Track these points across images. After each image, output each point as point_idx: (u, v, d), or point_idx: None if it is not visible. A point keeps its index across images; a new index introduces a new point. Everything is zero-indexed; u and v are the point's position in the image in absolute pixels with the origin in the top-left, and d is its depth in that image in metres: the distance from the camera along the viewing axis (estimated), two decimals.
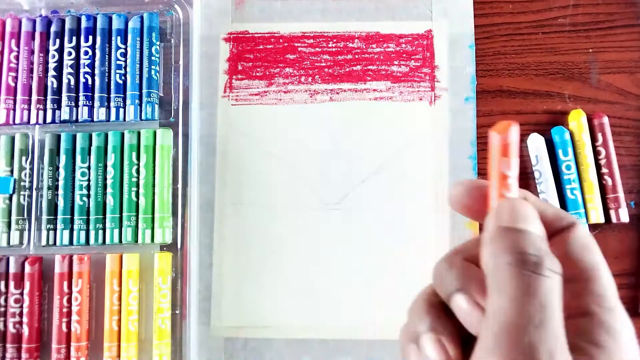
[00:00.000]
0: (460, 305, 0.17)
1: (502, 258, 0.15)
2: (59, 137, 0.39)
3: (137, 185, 0.39)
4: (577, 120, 0.39)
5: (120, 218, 0.39)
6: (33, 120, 0.39)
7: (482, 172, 0.39)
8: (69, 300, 0.37)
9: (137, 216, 0.38)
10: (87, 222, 0.39)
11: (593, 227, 0.39)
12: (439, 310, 0.18)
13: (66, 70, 0.40)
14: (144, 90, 0.39)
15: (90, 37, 0.40)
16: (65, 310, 0.37)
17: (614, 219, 0.38)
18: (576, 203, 0.38)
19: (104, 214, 0.39)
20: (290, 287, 0.39)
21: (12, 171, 0.39)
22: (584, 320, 0.16)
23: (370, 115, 0.40)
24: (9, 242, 0.38)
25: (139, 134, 0.39)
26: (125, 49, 0.40)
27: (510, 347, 0.14)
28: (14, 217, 0.39)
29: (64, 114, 0.39)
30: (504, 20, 0.41)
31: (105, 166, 0.39)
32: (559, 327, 0.15)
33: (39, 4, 0.41)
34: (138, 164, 0.39)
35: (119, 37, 0.40)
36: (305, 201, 0.39)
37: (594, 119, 0.39)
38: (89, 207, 0.39)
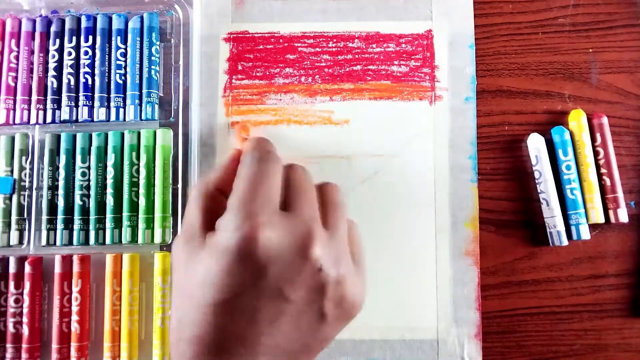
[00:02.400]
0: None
1: (250, 154, 0.28)
2: (59, 137, 0.39)
3: (137, 185, 0.39)
4: (577, 120, 0.39)
5: (120, 218, 0.39)
6: (33, 120, 0.39)
7: (482, 172, 0.39)
8: (69, 300, 0.38)
9: (136, 216, 0.38)
10: (87, 222, 0.39)
11: (593, 227, 0.39)
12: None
13: (66, 70, 0.40)
14: (144, 90, 0.39)
15: (90, 37, 0.40)
16: (65, 310, 0.37)
17: (612, 220, 0.38)
18: (576, 203, 0.38)
19: (104, 214, 0.39)
20: None
21: (12, 171, 0.39)
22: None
23: (370, 115, 0.40)
24: (9, 242, 0.38)
25: (139, 134, 0.39)
26: (125, 49, 0.40)
27: (242, 199, 0.25)
28: (14, 217, 0.39)
29: (64, 114, 0.39)
30: (504, 20, 0.41)
31: (105, 166, 0.39)
32: (275, 189, 0.26)
33: (39, 4, 0.41)
34: (138, 164, 0.39)
35: (119, 37, 0.40)
36: None
37: (594, 119, 0.39)
38: (88, 207, 0.39)
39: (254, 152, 0.28)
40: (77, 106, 0.40)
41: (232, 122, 0.40)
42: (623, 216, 0.38)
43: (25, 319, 0.37)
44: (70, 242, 0.38)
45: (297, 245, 0.24)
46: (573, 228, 0.38)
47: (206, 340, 0.24)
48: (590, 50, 0.41)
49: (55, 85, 0.40)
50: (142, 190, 0.39)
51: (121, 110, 0.40)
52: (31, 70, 0.40)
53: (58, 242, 0.38)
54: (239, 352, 0.24)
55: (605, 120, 0.39)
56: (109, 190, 0.39)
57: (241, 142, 0.33)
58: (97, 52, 0.40)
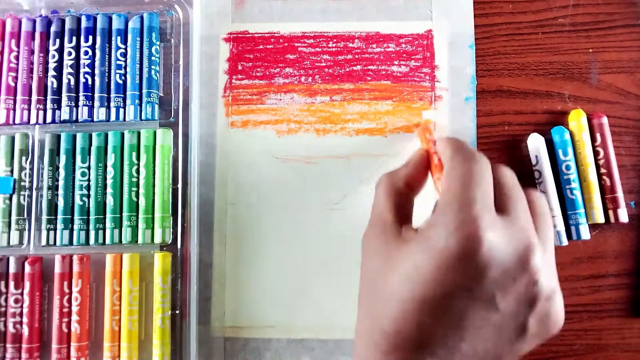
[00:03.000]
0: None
1: (458, 154, 0.26)
2: (59, 137, 0.39)
3: (137, 185, 0.39)
4: (577, 120, 0.39)
5: (120, 218, 0.39)
6: (33, 120, 0.39)
7: None
8: (69, 300, 0.38)
9: (137, 216, 0.38)
10: (87, 222, 0.39)
11: (593, 227, 0.39)
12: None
13: (66, 70, 0.40)
14: (144, 90, 0.39)
15: (90, 37, 0.40)
16: (65, 310, 0.37)
17: (612, 220, 0.38)
18: (576, 203, 0.38)
19: (104, 214, 0.39)
20: (290, 287, 0.39)
21: (12, 171, 0.39)
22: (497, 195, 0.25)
23: (370, 115, 0.40)
24: (9, 242, 0.38)
25: (139, 134, 0.39)
26: (125, 49, 0.40)
27: (460, 199, 0.24)
28: (14, 217, 0.39)
29: (64, 114, 0.39)
30: (504, 20, 0.41)
31: (105, 166, 0.39)
32: (490, 190, 0.24)
33: (39, 4, 0.41)
34: (138, 164, 0.39)
35: (119, 37, 0.40)
36: (305, 201, 0.39)
37: (593, 119, 0.39)
38: (88, 207, 0.39)
39: (462, 151, 0.26)
40: (77, 106, 0.40)
41: (416, 124, 0.39)
42: (623, 216, 0.38)
43: (25, 319, 0.37)
44: (71, 242, 0.38)
45: (518, 253, 0.23)
46: (573, 228, 0.38)
47: (406, 336, 0.23)
48: (590, 50, 0.41)
49: (55, 85, 0.40)
50: (142, 190, 0.39)
51: (121, 110, 0.40)
52: (31, 70, 0.40)
53: (58, 242, 0.38)
54: (437, 353, 0.23)
55: (605, 120, 0.39)
56: (109, 190, 0.39)
57: (426, 142, 0.31)
58: (97, 52, 0.40)
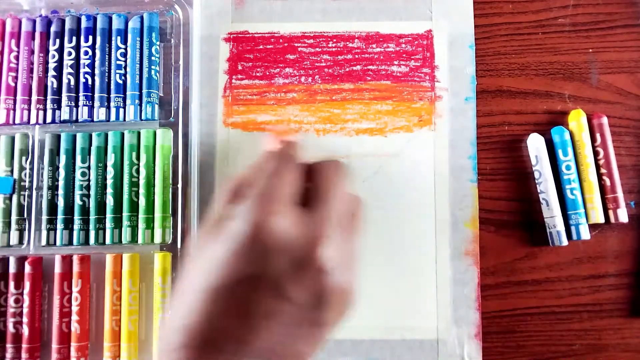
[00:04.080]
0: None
1: (268, 153, 0.28)
2: (59, 137, 0.39)
3: (137, 185, 0.39)
4: (577, 120, 0.39)
5: (120, 218, 0.39)
6: (33, 120, 0.39)
7: (482, 172, 0.39)
8: (69, 300, 0.38)
9: (137, 216, 0.38)
10: (87, 222, 0.39)
11: (593, 227, 0.39)
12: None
13: (66, 70, 0.40)
14: (144, 90, 0.39)
15: (90, 37, 0.40)
16: (65, 310, 0.37)
17: (612, 220, 0.38)
18: (576, 203, 0.38)
19: (104, 214, 0.39)
20: None
21: (12, 171, 0.39)
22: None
23: (370, 115, 0.40)
24: (9, 242, 0.38)
25: (139, 134, 0.39)
26: (125, 49, 0.40)
27: (257, 190, 0.25)
28: (14, 217, 0.39)
29: (64, 114, 0.39)
30: (504, 20, 0.41)
31: (105, 166, 0.39)
32: (290, 186, 0.26)
33: (39, 4, 0.41)
34: (138, 164, 0.39)
35: (119, 37, 0.40)
36: None
37: (593, 119, 0.39)
38: (88, 207, 0.39)
39: (272, 152, 0.28)
40: (77, 106, 0.40)
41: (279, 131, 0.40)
42: (623, 216, 0.38)
43: (25, 319, 0.37)
44: (70, 242, 0.38)
45: (306, 241, 0.24)
46: (573, 228, 0.38)
47: (195, 331, 0.23)
48: (590, 50, 0.41)
49: (55, 85, 0.40)
50: (142, 190, 0.39)
51: (121, 110, 0.40)
52: (31, 70, 0.40)
53: (58, 242, 0.38)
54: (227, 349, 0.23)
55: (605, 120, 0.39)
56: (109, 190, 0.39)
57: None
58: (97, 52, 0.40)
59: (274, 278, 0.23)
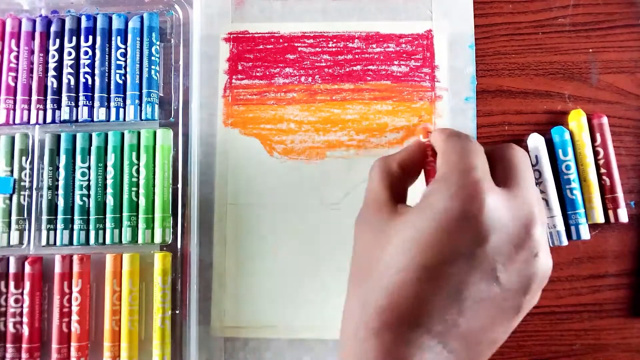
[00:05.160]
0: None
1: (452, 133, 0.26)
2: (59, 137, 0.39)
3: (137, 185, 0.39)
4: (577, 120, 0.39)
5: (120, 218, 0.39)
6: (33, 120, 0.39)
7: None
8: (69, 300, 0.38)
9: (137, 216, 0.38)
10: (87, 222, 0.39)
11: (593, 227, 0.39)
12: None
13: (66, 70, 0.40)
14: (144, 90, 0.39)
15: (90, 37, 0.40)
16: (65, 310, 0.37)
17: (612, 220, 0.38)
18: (576, 203, 0.38)
19: (104, 214, 0.39)
20: (290, 287, 0.39)
21: (12, 171, 0.39)
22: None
23: (370, 115, 0.40)
24: (9, 242, 0.38)
25: (139, 134, 0.39)
26: (125, 49, 0.40)
27: (460, 167, 0.24)
28: (14, 217, 0.39)
29: (64, 114, 0.39)
30: (504, 20, 0.41)
31: (105, 166, 0.39)
32: (486, 165, 0.24)
33: (39, 4, 0.41)
34: (138, 164, 0.39)
35: (119, 37, 0.40)
36: (305, 201, 0.39)
37: (593, 119, 0.39)
38: (89, 207, 0.39)
39: (456, 133, 0.26)
40: (77, 106, 0.40)
41: (416, 124, 0.40)
42: (623, 216, 0.38)
43: (25, 319, 0.37)
44: (71, 242, 0.38)
45: (521, 223, 0.23)
46: (573, 228, 0.38)
47: (401, 309, 0.22)
48: (590, 50, 0.41)
49: (55, 85, 0.40)
50: (142, 190, 0.39)
51: (121, 110, 0.40)
52: (31, 70, 0.40)
53: (58, 242, 0.38)
54: (433, 329, 0.22)
55: (605, 120, 0.39)
56: (109, 190, 0.39)
57: (424, 133, 0.31)
58: (97, 52, 0.40)
59: (490, 259, 0.22)
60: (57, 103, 0.40)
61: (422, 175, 0.30)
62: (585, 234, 0.38)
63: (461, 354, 0.22)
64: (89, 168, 0.39)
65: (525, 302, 0.24)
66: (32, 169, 0.39)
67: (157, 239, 0.38)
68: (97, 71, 0.40)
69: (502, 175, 0.25)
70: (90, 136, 0.39)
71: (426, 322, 0.22)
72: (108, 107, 0.40)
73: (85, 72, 0.40)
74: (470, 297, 0.22)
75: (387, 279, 0.23)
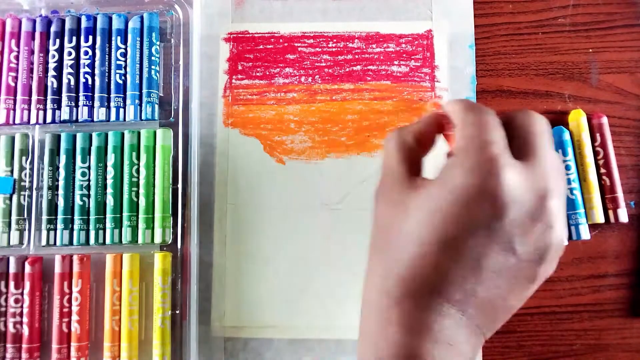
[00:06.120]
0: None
1: (467, 105, 0.26)
2: (59, 137, 0.39)
3: (137, 185, 0.39)
4: (577, 120, 0.39)
5: (120, 218, 0.39)
6: (33, 120, 0.39)
7: None
8: (69, 300, 0.37)
9: (137, 216, 0.38)
10: (87, 222, 0.39)
11: (593, 227, 0.39)
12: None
13: (66, 70, 0.40)
14: (144, 90, 0.39)
15: (90, 37, 0.40)
16: (65, 310, 0.37)
17: (612, 220, 0.38)
18: (576, 203, 0.38)
19: (104, 214, 0.39)
20: (291, 287, 0.39)
21: (12, 171, 0.39)
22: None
23: (370, 115, 0.40)
24: (9, 242, 0.38)
25: (139, 134, 0.39)
26: (125, 49, 0.40)
27: (477, 141, 0.23)
28: (14, 217, 0.39)
29: (64, 114, 0.39)
30: (504, 20, 0.41)
31: (105, 166, 0.39)
32: (504, 139, 0.24)
33: (39, 4, 0.41)
34: (138, 164, 0.39)
35: (119, 37, 0.40)
36: (305, 201, 0.39)
37: (593, 119, 0.39)
38: (88, 207, 0.39)
39: (474, 105, 0.26)
40: (77, 106, 0.40)
41: (434, 103, 0.40)
42: (623, 216, 0.38)
43: (25, 319, 0.37)
44: (71, 242, 0.38)
45: (537, 195, 0.23)
46: (573, 228, 0.38)
47: (421, 279, 0.23)
48: (590, 50, 0.41)
49: (55, 85, 0.40)
50: (142, 190, 0.39)
51: (121, 110, 0.40)
52: (31, 70, 0.40)
53: (58, 242, 0.38)
54: (453, 297, 0.23)
55: (604, 120, 0.39)
56: (109, 190, 0.39)
57: (436, 107, 0.31)
58: (97, 52, 0.40)
59: (507, 231, 0.23)
60: (57, 103, 0.40)
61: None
62: (585, 234, 0.38)
63: (478, 320, 0.24)
64: (89, 168, 0.39)
65: (540, 271, 0.24)
66: (32, 169, 0.39)
67: (157, 239, 0.38)
68: (97, 71, 0.40)
69: (519, 145, 0.25)
70: (90, 136, 0.39)
71: (446, 291, 0.23)
72: (108, 107, 0.40)
73: (85, 72, 0.40)
74: (488, 268, 0.23)
75: (408, 251, 0.24)
